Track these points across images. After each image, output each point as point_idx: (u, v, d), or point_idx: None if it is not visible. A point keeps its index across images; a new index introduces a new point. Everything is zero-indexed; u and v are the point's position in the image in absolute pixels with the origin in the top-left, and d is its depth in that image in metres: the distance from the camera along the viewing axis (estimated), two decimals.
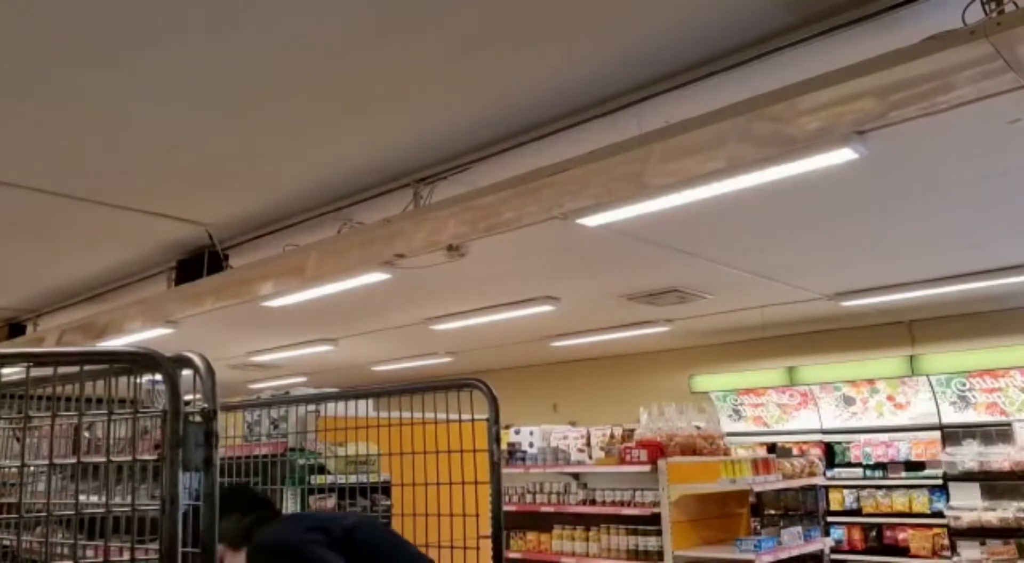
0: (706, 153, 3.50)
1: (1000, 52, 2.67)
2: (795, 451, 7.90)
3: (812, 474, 7.05)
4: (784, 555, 5.64)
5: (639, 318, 8.79)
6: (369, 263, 5.29)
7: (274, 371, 11.82)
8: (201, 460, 1.43)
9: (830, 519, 8.45)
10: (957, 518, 7.68)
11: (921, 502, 8.19)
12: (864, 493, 8.58)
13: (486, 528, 2.75)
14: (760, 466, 6.28)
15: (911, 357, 8.51)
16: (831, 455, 8.99)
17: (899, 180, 4.83)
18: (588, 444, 7.12)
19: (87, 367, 1.45)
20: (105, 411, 1.49)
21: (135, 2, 3.07)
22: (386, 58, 3.54)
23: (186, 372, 1.49)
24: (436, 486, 2.79)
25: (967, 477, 7.79)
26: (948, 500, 7.90)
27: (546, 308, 7.93)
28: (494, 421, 2.76)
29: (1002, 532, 7.42)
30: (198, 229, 5.81)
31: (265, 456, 3.57)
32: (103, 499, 1.61)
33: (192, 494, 1.47)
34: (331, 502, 3.45)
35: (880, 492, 8.48)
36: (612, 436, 7.02)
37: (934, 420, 8.33)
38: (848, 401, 9.01)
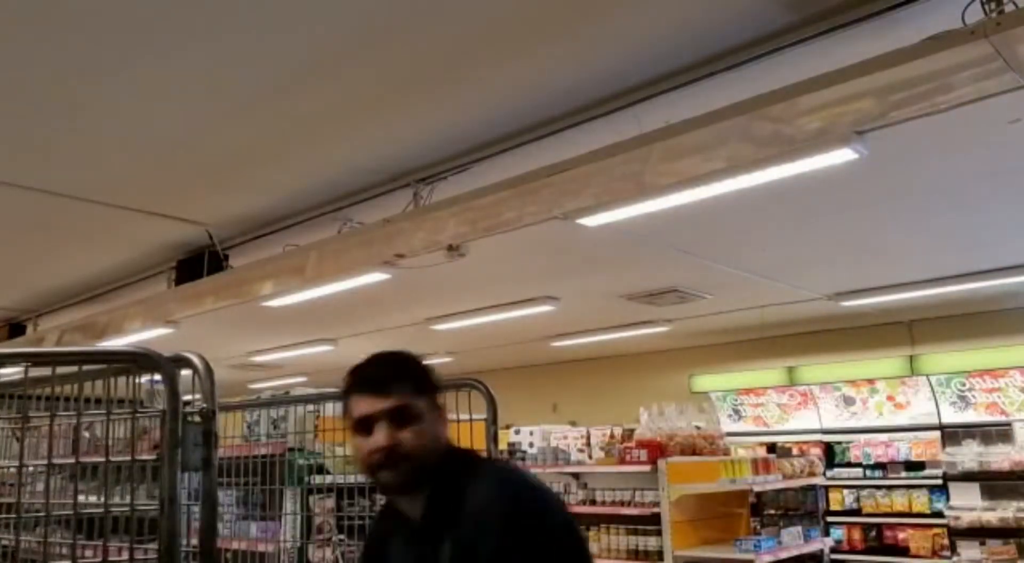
0: (706, 153, 3.50)
1: (1000, 52, 2.67)
2: (795, 451, 7.88)
3: (812, 474, 7.04)
4: (784, 555, 5.62)
5: (639, 318, 8.78)
6: (369, 263, 5.29)
7: (274, 371, 11.81)
8: (200, 460, 1.43)
9: (830, 519, 8.45)
10: (957, 518, 7.67)
11: (921, 502, 8.19)
12: (864, 493, 8.57)
13: None
14: (760, 466, 6.27)
15: (911, 357, 8.50)
16: (831, 455, 8.98)
17: (899, 180, 4.82)
18: (588, 444, 7.10)
19: (86, 367, 1.45)
20: (104, 411, 1.49)
21: (135, 5, 3.08)
22: (386, 58, 3.54)
23: (185, 372, 1.49)
24: None
25: (967, 477, 7.78)
26: (948, 500, 7.89)
27: (546, 308, 7.92)
28: (492, 421, 2.76)
29: (1002, 532, 7.41)
30: (198, 229, 5.81)
31: (265, 456, 3.57)
32: (102, 499, 1.61)
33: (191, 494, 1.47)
34: (331, 502, 3.45)
35: (880, 492, 8.47)
36: (612, 436, 7.01)
37: (934, 420, 8.33)
38: (848, 401, 9.00)
